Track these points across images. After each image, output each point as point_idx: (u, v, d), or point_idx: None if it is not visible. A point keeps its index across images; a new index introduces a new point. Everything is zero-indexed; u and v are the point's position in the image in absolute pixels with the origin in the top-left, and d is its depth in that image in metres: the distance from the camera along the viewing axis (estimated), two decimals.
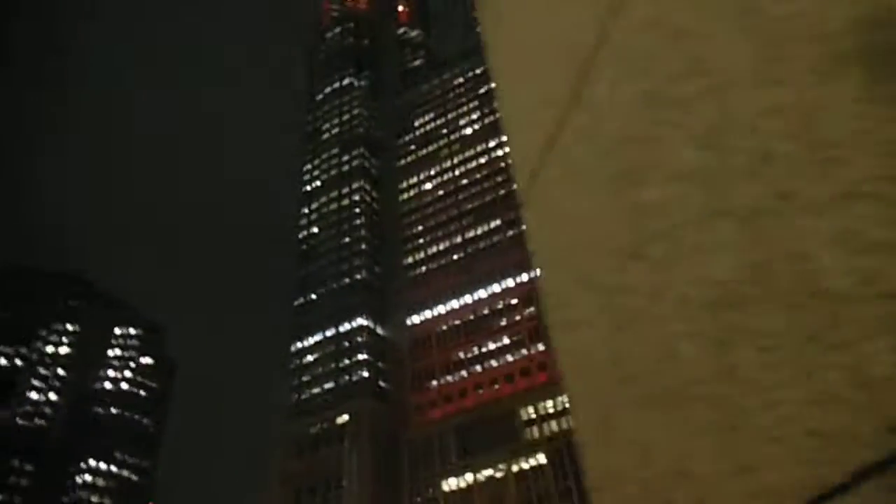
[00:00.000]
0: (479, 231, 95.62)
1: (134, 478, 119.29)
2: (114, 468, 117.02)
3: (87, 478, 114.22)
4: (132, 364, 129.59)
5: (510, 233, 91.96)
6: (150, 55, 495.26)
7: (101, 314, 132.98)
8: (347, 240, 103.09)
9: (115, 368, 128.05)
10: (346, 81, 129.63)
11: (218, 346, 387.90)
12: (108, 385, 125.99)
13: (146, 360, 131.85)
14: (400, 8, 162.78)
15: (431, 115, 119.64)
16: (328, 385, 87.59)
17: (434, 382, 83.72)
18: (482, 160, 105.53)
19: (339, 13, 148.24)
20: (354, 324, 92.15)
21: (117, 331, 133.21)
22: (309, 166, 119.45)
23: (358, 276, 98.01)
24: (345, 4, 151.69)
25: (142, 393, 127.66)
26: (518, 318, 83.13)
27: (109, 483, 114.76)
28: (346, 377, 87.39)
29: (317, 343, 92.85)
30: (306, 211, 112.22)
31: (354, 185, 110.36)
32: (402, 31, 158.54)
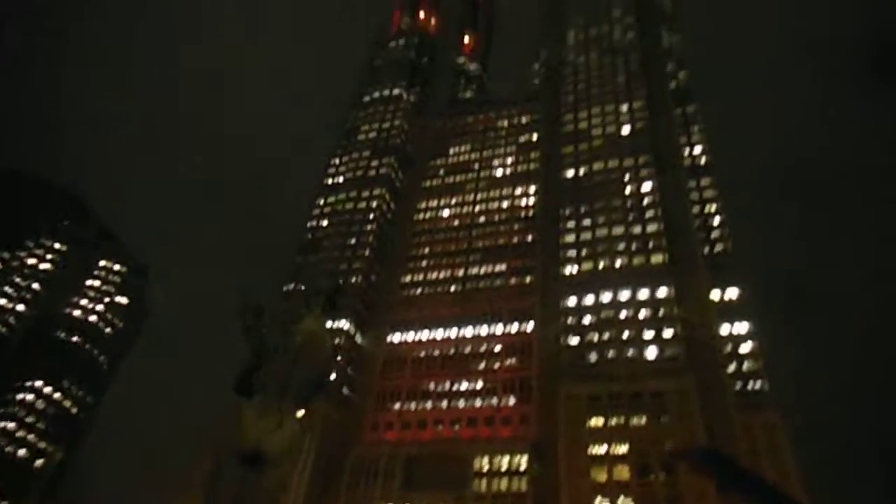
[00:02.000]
0: (483, 270, 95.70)
1: (74, 410, 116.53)
2: (57, 395, 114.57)
3: (30, 397, 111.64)
4: (106, 299, 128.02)
5: (513, 280, 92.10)
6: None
7: (91, 242, 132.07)
8: (353, 241, 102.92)
9: (90, 299, 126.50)
10: (395, 91, 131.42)
11: (195, 306, 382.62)
12: (77, 313, 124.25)
13: (121, 299, 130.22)
14: (466, 40, 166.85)
15: (468, 146, 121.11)
16: None
17: (397, 405, 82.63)
18: (504, 204, 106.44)
19: (408, 27, 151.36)
20: (336, 324, 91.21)
21: (102, 262, 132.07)
22: (336, 161, 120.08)
23: (353, 279, 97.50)
24: (415, 20, 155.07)
25: (107, 330, 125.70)
26: (497, 366, 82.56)
27: (49, 408, 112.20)
28: None
29: None
30: (321, 202, 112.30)
31: (375, 192, 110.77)
32: (461, 60, 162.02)
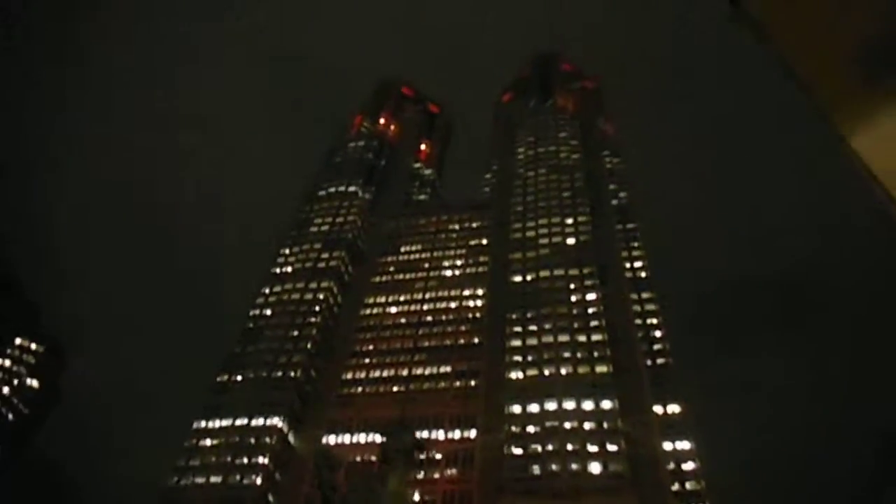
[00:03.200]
0: (428, 371, 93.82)
1: None
2: None
3: None
4: (16, 381, 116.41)
5: (457, 383, 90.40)
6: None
7: (11, 317, 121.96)
8: (296, 333, 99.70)
9: None
10: (351, 188, 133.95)
11: (115, 393, 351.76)
12: None
13: (33, 381, 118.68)
14: (423, 147, 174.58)
15: (419, 246, 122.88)
16: (215, 479, 79.26)
17: None
18: (452, 304, 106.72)
19: (368, 130, 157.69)
20: (269, 422, 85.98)
21: (18, 340, 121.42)
22: (286, 250, 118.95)
23: (291, 374, 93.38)
24: (376, 125, 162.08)
25: (10, 416, 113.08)
26: (437, 476, 78.73)
27: None
28: (238, 477, 79.51)
29: (222, 428, 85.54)
30: (266, 291, 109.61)
31: (323, 284, 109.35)
32: (417, 165, 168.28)
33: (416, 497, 76.46)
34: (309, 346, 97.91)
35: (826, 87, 3.13)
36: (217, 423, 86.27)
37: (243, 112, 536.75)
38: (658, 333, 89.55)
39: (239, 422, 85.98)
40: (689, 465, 71.15)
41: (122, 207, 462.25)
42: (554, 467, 69.83)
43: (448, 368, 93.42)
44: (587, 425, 72.97)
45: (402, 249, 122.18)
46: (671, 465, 70.98)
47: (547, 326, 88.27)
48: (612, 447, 69.96)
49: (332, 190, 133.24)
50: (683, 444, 72.52)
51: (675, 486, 69.06)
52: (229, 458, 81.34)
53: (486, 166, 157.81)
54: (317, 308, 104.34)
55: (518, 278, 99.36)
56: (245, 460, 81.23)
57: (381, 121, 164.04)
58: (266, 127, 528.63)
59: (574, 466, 69.11)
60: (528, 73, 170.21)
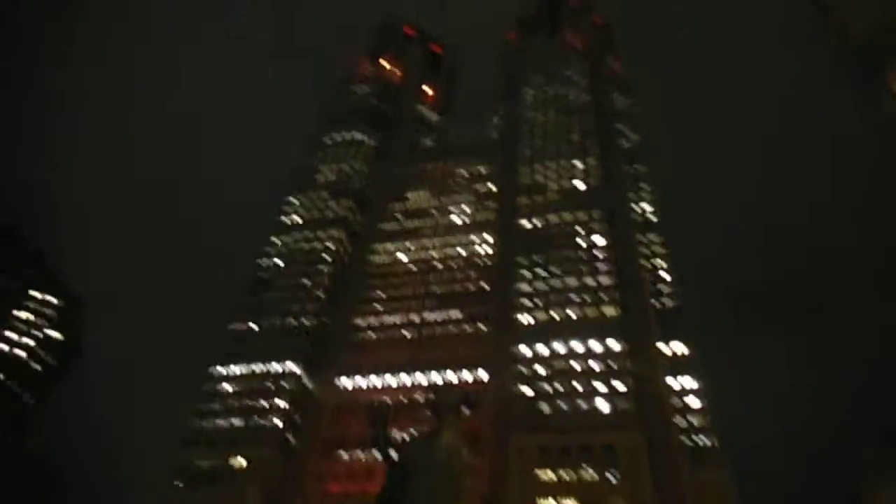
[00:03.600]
0: (438, 316, 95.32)
1: None
2: None
3: None
4: (37, 333, 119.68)
5: (467, 327, 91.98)
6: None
7: (23, 271, 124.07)
8: (307, 282, 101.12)
9: (19, 332, 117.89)
10: (356, 135, 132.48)
11: (134, 343, 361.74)
12: (2, 346, 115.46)
13: (54, 333, 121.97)
14: (428, 90, 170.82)
15: (426, 192, 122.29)
16: (236, 421, 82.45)
17: (344, 454, 79.81)
18: (461, 250, 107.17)
19: (372, 74, 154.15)
20: (285, 367, 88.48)
21: (35, 293, 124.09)
22: (294, 200, 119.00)
23: (305, 321, 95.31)
24: (380, 69, 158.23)
25: (36, 367, 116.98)
26: None
27: None
28: (257, 419, 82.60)
29: (240, 375, 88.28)
30: (276, 241, 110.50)
31: (332, 232, 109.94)
32: (422, 109, 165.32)
33: None
34: (321, 293, 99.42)
35: (881, 52, 3.04)
36: (235, 370, 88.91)
37: (244, 58, 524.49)
38: (666, 275, 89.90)
39: (257, 368, 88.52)
40: (695, 403, 72.87)
41: (126, 180, 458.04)
42: (563, 406, 71.91)
43: (458, 313, 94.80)
44: (595, 365, 74.60)
45: (410, 196, 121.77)
46: (679, 403, 72.77)
47: (555, 270, 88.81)
48: (619, 386, 71.74)
49: (338, 138, 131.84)
50: (690, 382, 74.11)
51: (684, 423, 71.00)
52: (249, 402, 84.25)
53: (493, 109, 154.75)
54: (327, 256, 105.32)
55: (526, 223, 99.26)
56: (264, 404, 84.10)
57: (384, 63, 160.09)
58: (267, 72, 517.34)
59: (583, 405, 71.13)
60: (535, 10, 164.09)
